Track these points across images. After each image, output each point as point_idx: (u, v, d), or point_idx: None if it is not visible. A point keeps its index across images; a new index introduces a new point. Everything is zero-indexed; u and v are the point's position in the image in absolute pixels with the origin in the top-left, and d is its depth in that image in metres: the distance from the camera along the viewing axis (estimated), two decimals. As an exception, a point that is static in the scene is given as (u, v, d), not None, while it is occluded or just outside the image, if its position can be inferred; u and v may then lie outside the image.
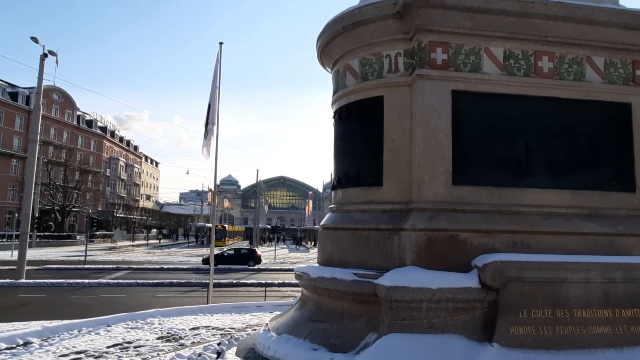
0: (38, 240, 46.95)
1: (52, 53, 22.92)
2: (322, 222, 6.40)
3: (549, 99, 5.62)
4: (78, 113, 70.82)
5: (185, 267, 29.31)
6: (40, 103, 22.39)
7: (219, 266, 28.36)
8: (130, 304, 14.84)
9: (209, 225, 49.31)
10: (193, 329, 9.31)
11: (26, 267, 20.88)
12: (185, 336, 8.62)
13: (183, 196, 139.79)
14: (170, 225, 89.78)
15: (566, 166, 5.60)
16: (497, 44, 5.58)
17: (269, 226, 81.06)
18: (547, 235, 5.24)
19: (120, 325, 9.44)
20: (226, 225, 63.36)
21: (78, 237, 56.08)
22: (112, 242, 58.37)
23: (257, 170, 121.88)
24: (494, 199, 5.34)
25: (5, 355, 7.18)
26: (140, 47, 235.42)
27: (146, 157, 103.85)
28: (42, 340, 8.15)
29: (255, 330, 8.66)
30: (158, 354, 7.16)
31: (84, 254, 30.04)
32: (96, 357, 7.09)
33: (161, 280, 21.44)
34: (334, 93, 6.53)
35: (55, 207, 56.61)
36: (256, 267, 30.43)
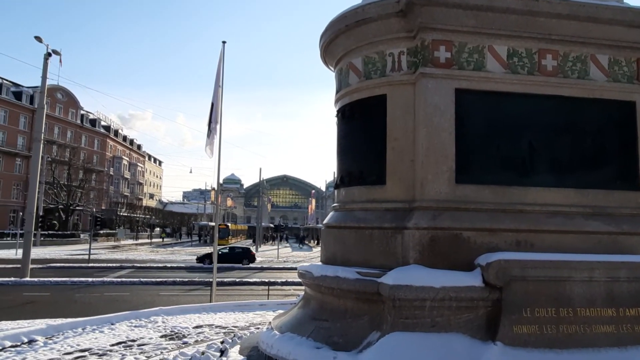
0: (42, 238, 47.20)
1: (55, 52, 22.97)
2: (325, 221, 6.40)
3: (553, 97, 5.59)
4: (82, 112, 71.08)
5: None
6: (44, 102, 22.48)
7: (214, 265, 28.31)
8: (134, 302, 14.88)
9: (212, 224, 49.43)
10: (196, 327, 9.34)
11: (30, 266, 20.98)
12: (188, 334, 8.65)
13: (186, 195, 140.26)
14: (173, 224, 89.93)
15: (570, 165, 5.58)
16: (500, 42, 5.56)
17: (272, 225, 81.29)
18: (551, 233, 5.23)
19: (124, 324, 9.48)
20: (229, 224, 63.36)
21: (82, 235, 56.28)
22: (115, 241, 58.49)
23: (260, 169, 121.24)
24: (498, 198, 5.33)
25: (10, 353, 7.22)
26: (143, 46, 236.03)
27: (149, 156, 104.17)
28: (46, 338, 8.20)
29: (258, 328, 8.67)
30: (162, 352, 7.19)
31: (87, 252, 30.12)
32: (100, 355, 7.12)
33: (164, 279, 21.51)
34: (337, 92, 6.53)
35: (59, 206, 56.84)
36: (251, 265, 30.25)
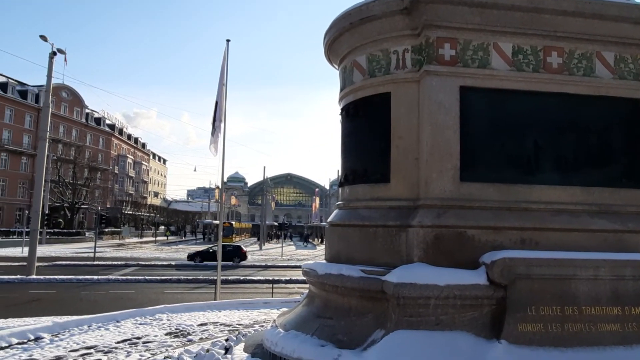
0: (48, 237, 47.50)
1: (60, 51, 23.04)
2: (329, 219, 6.40)
3: (558, 95, 5.57)
4: (87, 111, 71.28)
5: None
6: (50, 101, 22.57)
7: (206, 263, 28.48)
8: (139, 300, 14.95)
9: (217, 222, 49.49)
10: (201, 325, 9.38)
11: (36, 264, 21.11)
12: (193, 332, 8.68)
13: (190, 193, 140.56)
14: (177, 222, 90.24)
15: (575, 162, 5.56)
16: (505, 40, 5.53)
17: (276, 223, 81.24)
18: (556, 232, 5.21)
19: (129, 321, 9.52)
20: (233, 222, 63.45)
21: (87, 233, 56.58)
22: (120, 239, 58.70)
23: (264, 168, 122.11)
24: (502, 196, 5.31)
25: (17, 350, 7.28)
26: (146, 45, 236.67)
27: (154, 155, 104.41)
28: (52, 335, 8.25)
29: (262, 326, 8.69)
30: (167, 350, 7.22)
31: (93, 250, 30.29)
32: (106, 352, 7.16)
33: (169, 277, 21.60)
34: (341, 90, 6.52)
35: (65, 204, 57.10)
36: (242, 263, 29.85)
